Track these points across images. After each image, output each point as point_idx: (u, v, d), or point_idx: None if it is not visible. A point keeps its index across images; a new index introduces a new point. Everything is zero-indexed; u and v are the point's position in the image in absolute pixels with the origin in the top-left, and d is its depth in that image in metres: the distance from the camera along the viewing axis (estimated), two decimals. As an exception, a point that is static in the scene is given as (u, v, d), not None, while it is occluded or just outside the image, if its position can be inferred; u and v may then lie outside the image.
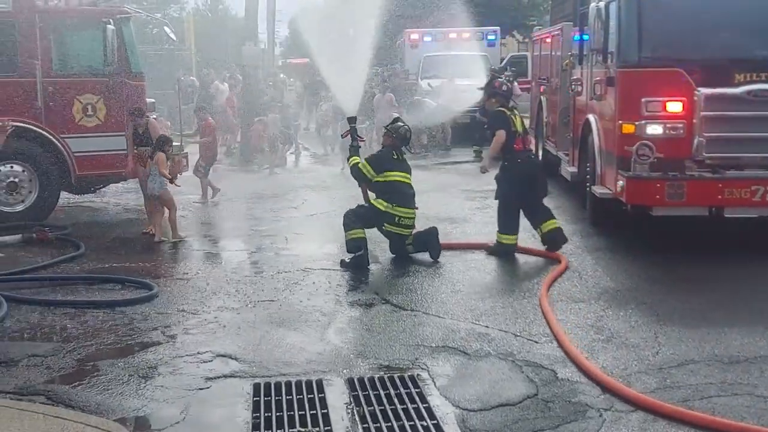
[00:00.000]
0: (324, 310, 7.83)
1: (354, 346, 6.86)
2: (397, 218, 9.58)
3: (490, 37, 27.31)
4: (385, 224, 9.63)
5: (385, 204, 9.56)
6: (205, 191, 14.16)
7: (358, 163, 9.85)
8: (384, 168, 9.71)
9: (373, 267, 9.47)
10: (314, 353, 6.67)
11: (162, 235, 10.85)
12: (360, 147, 10.27)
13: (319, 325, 7.39)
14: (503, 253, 9.76)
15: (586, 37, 11.83)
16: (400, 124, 10.16)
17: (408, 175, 9.86)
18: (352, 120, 10.35)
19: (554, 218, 10.03)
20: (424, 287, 8.59)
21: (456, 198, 14.17)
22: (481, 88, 10.40)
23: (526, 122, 12.50)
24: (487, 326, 7.24)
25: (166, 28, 12.93)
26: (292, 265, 9.55)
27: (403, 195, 9.68)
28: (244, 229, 11.96)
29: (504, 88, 10.37)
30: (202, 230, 12.04)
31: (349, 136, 10.25)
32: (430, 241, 9.72)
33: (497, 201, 10.04)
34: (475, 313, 7.64)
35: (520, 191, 9.81)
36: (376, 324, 7.39)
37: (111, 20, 12.00)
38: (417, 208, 9.85)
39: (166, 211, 11.03)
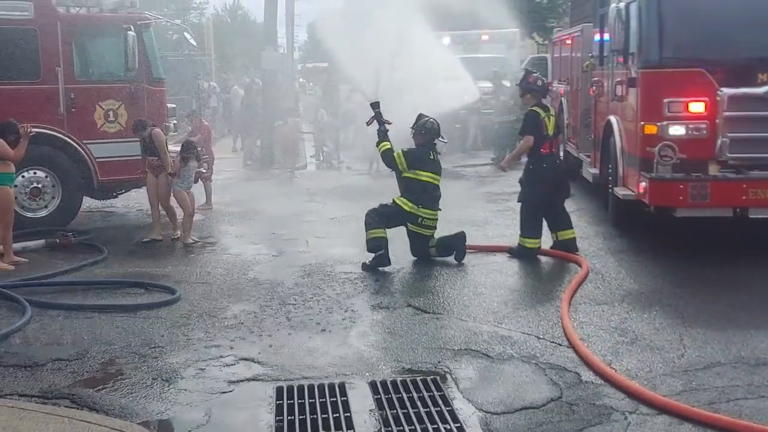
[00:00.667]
0: (346, 314, 7.82)
1: (376, 349, 6.84)
2: (420, 219, 9.57)
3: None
4: (409, 224, 9.62)
5: (410, 204, 9.54)
6: (209, 196, 14.05)
7: (392, 150, 9.77)
8: (417, 165, 9.66)
9: (395, 270, 9.45)
10: (336, 356, 6.66)
11: (188, 236, 10.98)
12: (388, 130, 10.10)
13: (341, 329, 7.39)
14: (526, 256, 9.71)
15: (606, 38, 11.77)
16: (425, 119, 9.97)
17: (438, 177, 9.82)
18: (375, 105, 10.19)
19: (572, 228, 9.95)
20: (446, 290, 8.57)
21: (477, 201, 14.13)
22: (517, 84, 10.24)
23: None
24: (509, 329, 7.21)
25: (186, 34, 12.98)
26: (314, 268, 9.55)
27: (431, 196, 9.65)
28: (265, 233, 11.97)
29: (539, 83, 10.13)
30: (223, 233, 12.06)
31: (375, 122, 10.14)
32: (456, 245, 9.69)
33: (520, 204, 9.98)
34: (497, 315, 7.61)
35: (544, 195, 9.76)
36: (399, 327, 7.38)
37: (132, 27, 12.08)
38: (440, 210, 9.82)
39: (181, 212, 11.11)
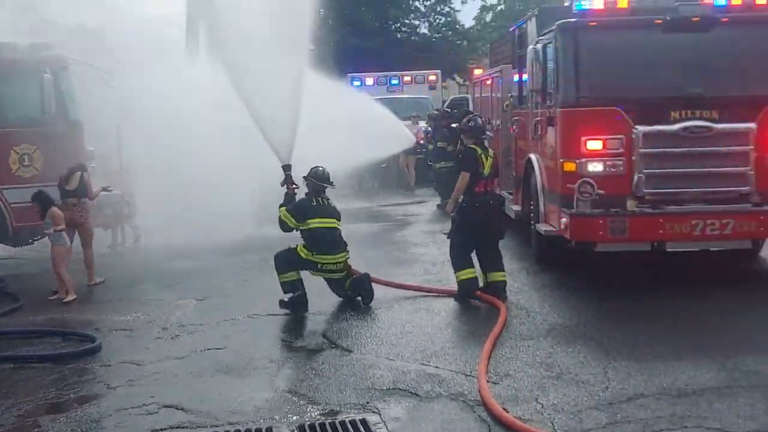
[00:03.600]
0: (272, 357, 7.72)
1: (304, 391, 6.75)
2: (319, 265, 9.52)
3: (393, 82, 27.57)
4: (310, 271, 9.61)
5: (306, 251, 9.48)
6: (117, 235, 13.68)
7: (283, 212, 9.80)
8: (306, 216, 9.57)
9: (321, 310, 9.38)
10: (263, 400, 6.55)
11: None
12: (295, 194, 10.14)
13: (267, 372, 7.27)
14: (468, 289, 9.52)
15: (525, 78, 12.02)
16: (314, 168, 9.89)
17: (331, 219, 9.66)
18: (287, 168, 10.32)
19: (503, 270, 9.82)
20: (373, 329, 8.53)
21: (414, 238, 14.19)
22: (455, 126, 10.25)
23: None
24: (437, 367, 7.20)
25: (104, 76, 12.85)
26: (239, 311, 9.41)
27: (325, 242, 9.51)
28: (190, 277, 11.73)
29: (471, 123, 9.98)
30: (144, 278, 11.77)
31: (286, 184, 10.20)
32: (362, 286, 9.66)
33: (449, 240, 9.91)
34: (425, 354, 7.59)
35: (472, 235, 9.67)
36: (326, 368, 7.30)
37: (47, 69, 11.85)
38: (346, 251, 9.68)
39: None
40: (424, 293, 9.98)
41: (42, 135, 12.08)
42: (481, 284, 9.63)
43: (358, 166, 17.53)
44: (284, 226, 9.72)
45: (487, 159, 9.66)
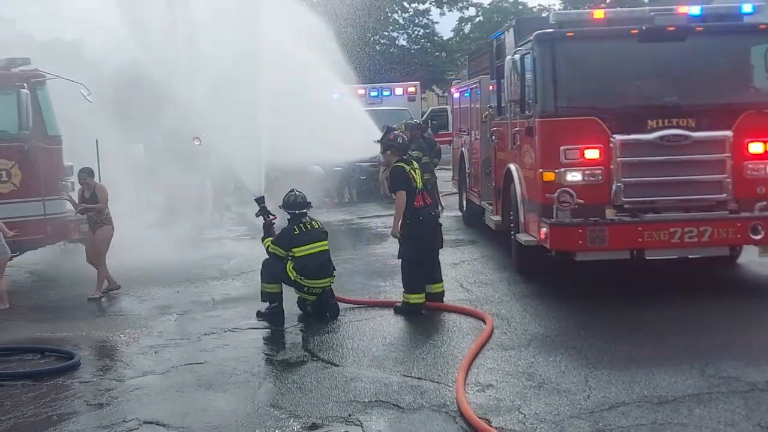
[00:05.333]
0: (254, 371, 7.68)
1: (285, 405, 6.72)
2: (305, 288, 9.53)
3: (372, 94, 27.63)
4: (294, 290, 9.62)
5: (295, 274, 9.47)
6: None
7: (270, 245, 9.80)
8: (290, 245, 9.55)
9: (302, 323, 9.37)
10: (244, 415, 6.52)
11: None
12: (273, 224, 10.17)
13: (249, 386, 7.24)
14: (411, 312, 9.49)
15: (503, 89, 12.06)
16: (288, 193, 9.90)
17: (318, 243, 9.63)
18: (260, 200, 10.36)
19: (442, 281, 9.86)
20: (355, 342, 8.51)
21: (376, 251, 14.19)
22: (377, 141, 10.16)
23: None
24: (419, 378, 7.19)
25: (82, 91, 12.76)
26: (220, 325, 9.37)
27: (313, 267, 9.49)
28: (168, 291, 11.67)
29: (399, 140, 9.97)
30: (125, 292, 11.69)
31: (262, 216, 10.23)
32: (325, 303, 9.61)
33: (400, 260, 9.78)
34: (406, 365, 7.58)
35: (422, 249, 9.61)
36: (308, 382, 7.27)
37: (25, 84, 11.79)
38: (332, 276, 9.67)
39: None
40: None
41: (20, 150, 11.99)
42: None
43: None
44: (276, 258, 9.68)
45: (415, 172, 9.68)
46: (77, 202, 11.43)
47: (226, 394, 7.05)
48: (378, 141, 10.09)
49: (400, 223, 9.49)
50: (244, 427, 6.27)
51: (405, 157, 9.85)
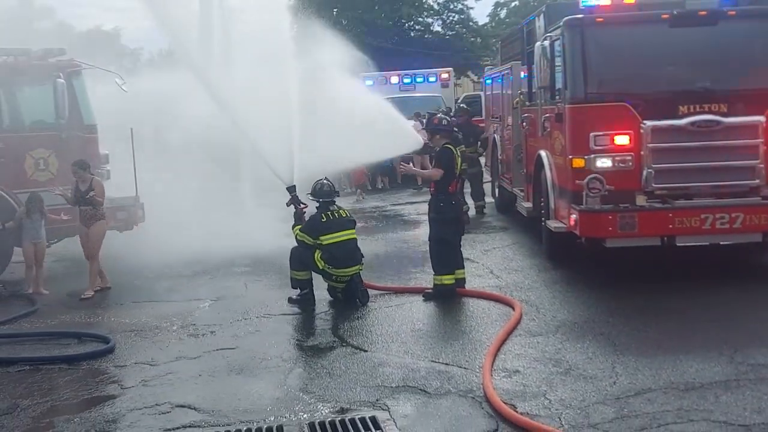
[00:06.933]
0: (284, 356, 7.80)
1: (314, 390, 6.82)
2: (334, 276, 9.64)
3: (405, 80, 27.48)
4: (323, 278, 9.73)
5: (323, 263, 9.58)
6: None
7: (298, 233, 9.89)
8: (318, 233, 9.64)
9: (330, 309, 9.48)
10: (274, 399, 6.63)
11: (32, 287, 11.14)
12: (305, 212, 10.25)
13: (279, 371, 7.35)
14: (444, 295, 9.59)
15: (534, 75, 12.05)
16: (317, 181, 10.00)
17: (345, 232, 9.73)
18: (291, 189, 10.43)
19: (464, 267, 10.00)
20: (384, 328, 8.59)
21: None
22: (424, 128, 10.29)
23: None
24: (447, 364, 7.26)
25: (117, 80, 12.93)
26: (252, 311, 9.51)
27: (340, 255, 9.59)
28: (203, 276, 11.82)
29: (444, 122, 10.17)
30: (155, 279, 11.86)
31: (293, 205, 10.32)
32: (354, 289, 9.68)
33: (430, 242, 9.93)
34: (434, 351, 7.65)
35: (454, 231, 9.83)
36: (337, 367, 7.37)
37: (61, 74, 11.99)
38: (360, 264, 9.75)
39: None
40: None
41: (57, 139, 12.21)
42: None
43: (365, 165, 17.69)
44: (303, 245, 9.78)
45: (458, 159, 9.82)
46: (71, 195, 11.27)
47: (257, 378, 7.18)
48: (424, 128, 10.21)
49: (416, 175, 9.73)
50: (274, 411, 6.38)
51: (453, 140, 10.03)
